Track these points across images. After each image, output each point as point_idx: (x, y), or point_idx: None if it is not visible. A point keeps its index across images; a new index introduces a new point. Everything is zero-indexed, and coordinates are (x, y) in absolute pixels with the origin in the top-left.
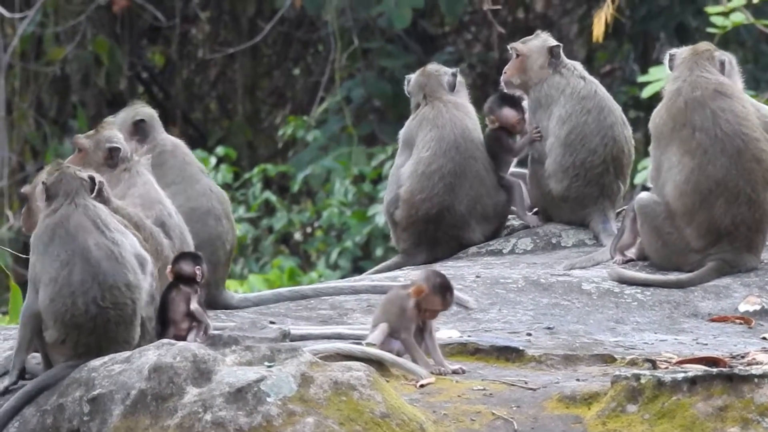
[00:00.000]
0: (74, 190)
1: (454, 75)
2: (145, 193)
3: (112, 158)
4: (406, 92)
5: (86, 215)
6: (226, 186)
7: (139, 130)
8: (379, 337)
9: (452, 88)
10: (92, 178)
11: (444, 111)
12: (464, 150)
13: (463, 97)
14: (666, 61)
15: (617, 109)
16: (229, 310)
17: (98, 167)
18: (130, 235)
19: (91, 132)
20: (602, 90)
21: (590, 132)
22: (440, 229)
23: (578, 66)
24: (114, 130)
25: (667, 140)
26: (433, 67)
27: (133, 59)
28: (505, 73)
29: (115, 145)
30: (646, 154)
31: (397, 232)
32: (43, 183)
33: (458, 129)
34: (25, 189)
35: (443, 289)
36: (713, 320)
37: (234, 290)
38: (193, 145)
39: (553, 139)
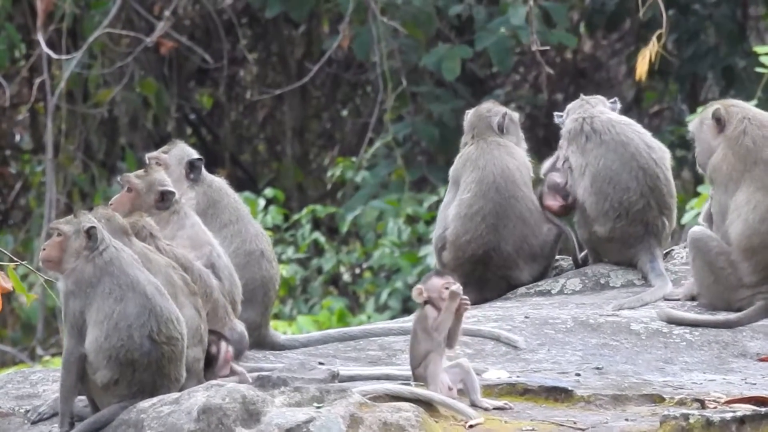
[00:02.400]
0: (117, 234)
1: (504, 116)
2: (194, 234)
3: (163, 201)
4: (464, 127)
5: (129, 253)
6: (275, 228)
7: (194, 169)
8: (434, 370)
9: (501, 129)
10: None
11: (486, 151)
12: (504, 190)
13: (512, 138)
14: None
15: (634, 137)
16: (277, 351)
17: (149, 209)
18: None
19: (141, 172)
20: (613, 127)
21: (614, 173)
22: (488, 270)
23: (578, 118)
24: (162, 172)
25: (736, 183)
26: (486, 106)
27: (181, 101)
28: None
29: (168, 188)
30: (696, 195)
31: None
32: (92, 228)
33: (498, 169)
34: (66, 229)
35: (435, 273)
36: (762, 360)
37: (282, 332)
38: (242, 187)
39: (581, 191)
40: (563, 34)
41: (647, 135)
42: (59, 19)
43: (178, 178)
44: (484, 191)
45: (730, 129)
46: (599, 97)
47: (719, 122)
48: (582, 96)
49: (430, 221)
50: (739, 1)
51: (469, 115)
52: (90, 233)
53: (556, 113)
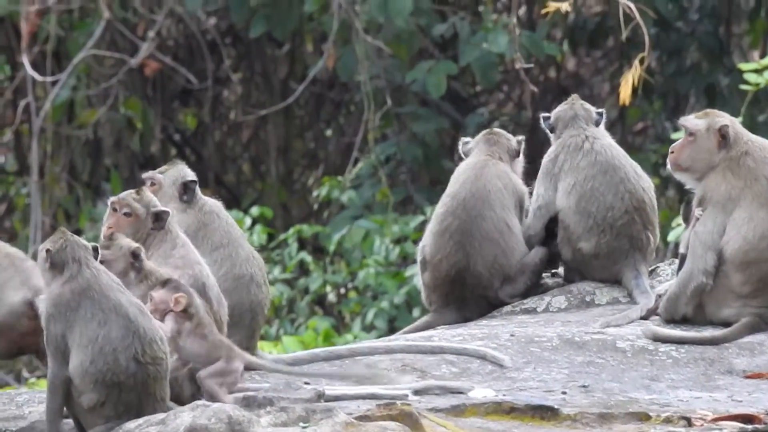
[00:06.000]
0: (83, 256)
1: (519, 142)
2: (185, 253)
3: (158, 221)
4: (461, 153)
5: (108, 276)
6: (261, 247)
7: (188, 190)
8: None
9: (515, 155)
10: (95, 248)
11: (475, 168)
12: (471, 208)
13: (517, 164)
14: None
15: (626, 164)
16: (263, 371)
17: (147, 231)
18: None
19: (135, 195)
20: (608, 150)
21: (600, 194)
22: (466, 290)
23: (585, 133)
24: (150, 193)
25: (735, 202)
26: (500, 131)
27: (165, 121)
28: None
29: (162, 209)
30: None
31: (427, 292)
32: (47, 251)
33: (475, 187)
34: (40, 248)
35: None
36: (748, 377)
37: (268, 351)
38: (226, 207)
39: (565, 210)
40: (547, 45)
41: (638, 166)
42: (43, 41)
43: (171, 198)
44: (454, 207)
45: (734, 150)
46: (587, 105)
47: (724, 139)
48: (573, 98)
49: (418, 241)
50: (721, 18)
51: (479, 137)
52: (47, 254)
53: (542, 115)
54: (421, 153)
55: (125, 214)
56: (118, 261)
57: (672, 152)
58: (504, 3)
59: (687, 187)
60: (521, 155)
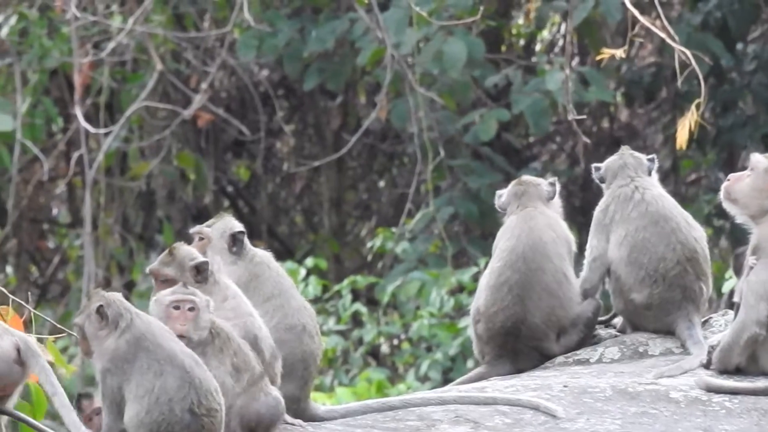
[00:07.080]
0: (130, 305)
1: (552, 185)
2: (236, 305)
3: (200, 273)
4: (497, 207)
5: (159, 324)
6: (316, 298)
7: (237, 241)
8: None
9: (551, 197)
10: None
11: (526, 220)
12: (531, 261)
13: (556, 207)
14: None
15: (677, 214)
16: (316, 422)
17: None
18: None
19: (167, 258)
20: (659, 201)
21: (652, 245)
22: (520, 342)
23: (635, 184)
24: (185, 247)
25: None
26: (528, 177)
27: (218, 173)
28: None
29: (199, 260)
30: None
31: (480, 344)
32: (100, 307)
33: (531, 240)
34: (79, 320)
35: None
36: None
37: (322, 403)
38: (279, 259)
39: (617, 262)
40: (600, 91)
41: (689, 216)
42: (96, 93)
43: (221, 251)
44: (513, 261)
45: None
46: (637, 154)
47: None
48: (623, 149)
49: (473, 292)
50: None
51: (510, 188)
52: (101, 312)
53: (594, 165)
54: (476, 209)
55: (163, 282)
56: (203, 311)
57: (728, 180)
58: (557, 53)
59: (737, 221)
60: (557, 196)
